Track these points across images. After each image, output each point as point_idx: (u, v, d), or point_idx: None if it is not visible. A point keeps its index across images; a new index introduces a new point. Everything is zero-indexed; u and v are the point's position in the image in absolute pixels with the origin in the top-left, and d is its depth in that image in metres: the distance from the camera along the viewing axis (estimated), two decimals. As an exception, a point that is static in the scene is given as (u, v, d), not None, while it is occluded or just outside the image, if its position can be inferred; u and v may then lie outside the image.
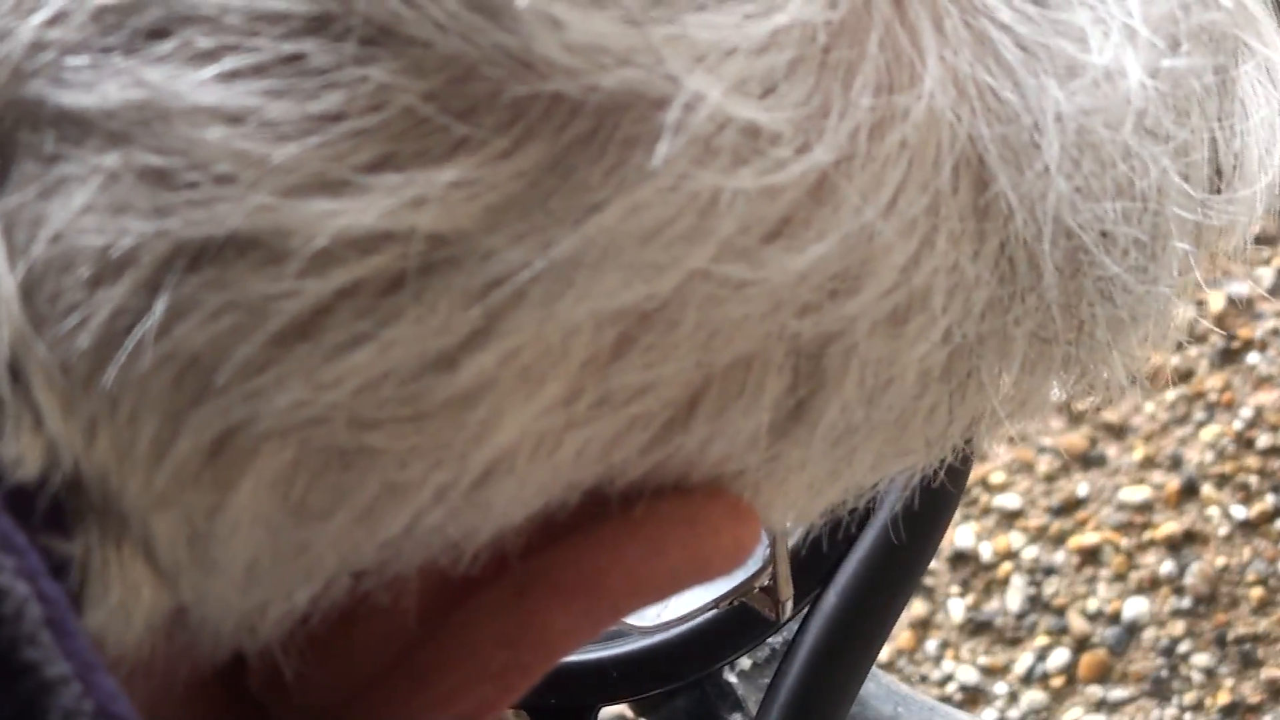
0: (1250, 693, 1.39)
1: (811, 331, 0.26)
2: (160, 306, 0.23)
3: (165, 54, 0.23)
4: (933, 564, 1.46)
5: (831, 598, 0.59)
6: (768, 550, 0.39)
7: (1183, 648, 1.41)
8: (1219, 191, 0.29)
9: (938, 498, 0.61)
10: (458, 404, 0.25)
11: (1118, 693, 1.40)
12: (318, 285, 0.24)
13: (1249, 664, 1.40)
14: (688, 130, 0.24)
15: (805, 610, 0.60)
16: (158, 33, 0.24)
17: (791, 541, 0.43)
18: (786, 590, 0.40)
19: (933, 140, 0.25)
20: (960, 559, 1.46)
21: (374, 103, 0.23)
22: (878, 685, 1.02)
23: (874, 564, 0.58)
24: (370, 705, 0.29)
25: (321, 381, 0.24)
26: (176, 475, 0.25)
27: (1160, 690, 1.40)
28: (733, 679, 0.91)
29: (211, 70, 0.23)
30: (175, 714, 0.28)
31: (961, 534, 1.47)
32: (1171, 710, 1.39)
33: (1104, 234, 0.27)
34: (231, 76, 0.23)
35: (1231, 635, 1.41)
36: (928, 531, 0.58)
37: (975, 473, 1.48)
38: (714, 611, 0.41)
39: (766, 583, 0.39)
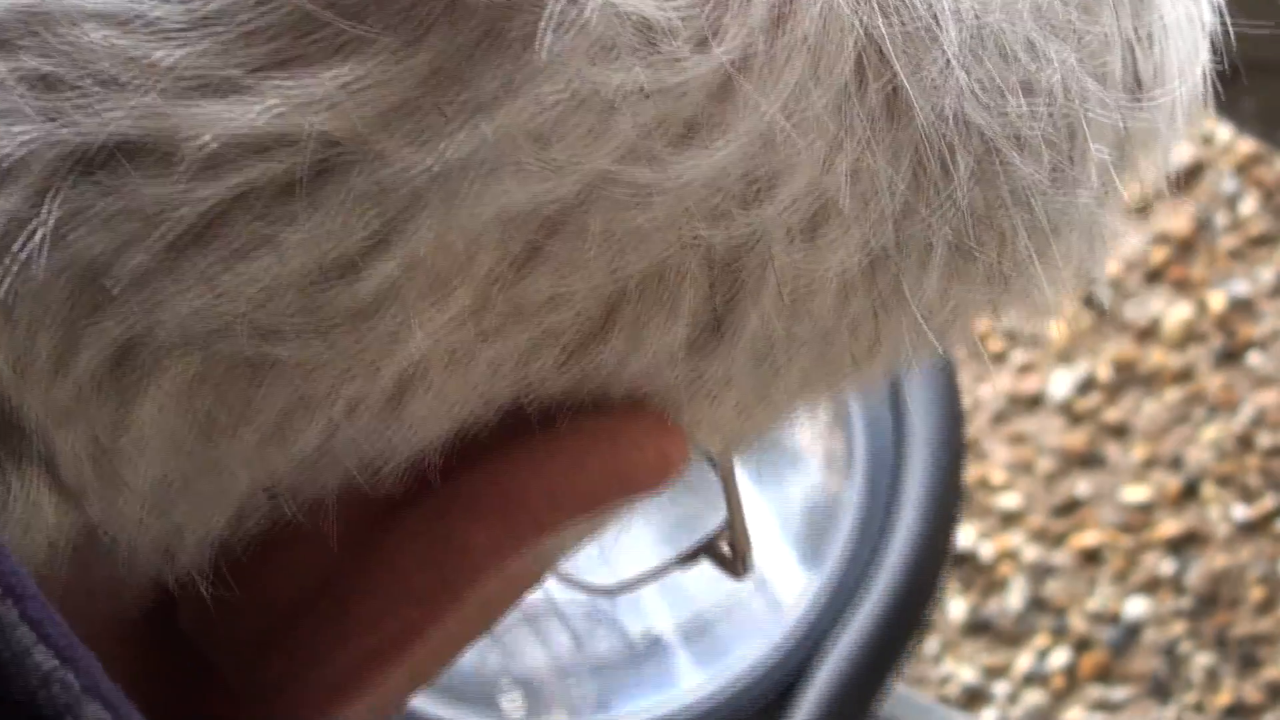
0: (1251, 693, 1.38)
1: (725, 241, 0.26)
2: (53, 214, 0.23)
3: None
4: (931, 564, 1.46)
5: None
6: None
7: (1183, 648, 1.40)
8: (1139, 101, 0.29)
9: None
10: (363, 314, 0.24)
11: (1118, 693, 1.40)
12: (210, 190, 0.23)
13: (1250, 664, 1.39)
14: (577, 26, 0.23)
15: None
16: None
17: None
18: (746, 542, 0.39)
19: (833, 35, 0.25)
20: (960, 559, 1.46)
21: (261, 2, 0.23)
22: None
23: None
24: (297, 632, 0.28)
25: (220, 289, 0.24)
26: (77, 389, 0.24)
27: (1160, 690, 1.39)
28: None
29: None
30: (100, 653, 0.28)
31: (961, 534, 1.46)
32: (1171, 710, 1.38)
33: (1016, 137, 0.27)
34: None
35: (1232, 636, 1.40)
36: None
37: (975, 473, 1.47)
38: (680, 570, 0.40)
39: (727, 539, 0.39)
